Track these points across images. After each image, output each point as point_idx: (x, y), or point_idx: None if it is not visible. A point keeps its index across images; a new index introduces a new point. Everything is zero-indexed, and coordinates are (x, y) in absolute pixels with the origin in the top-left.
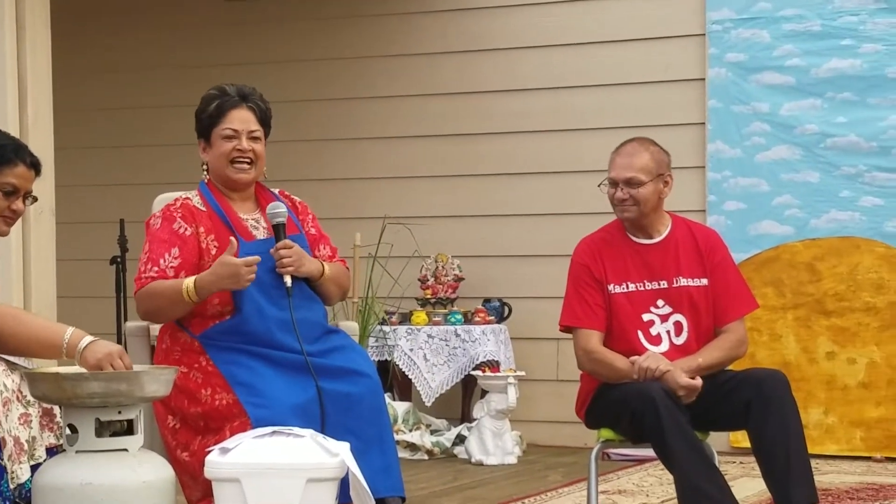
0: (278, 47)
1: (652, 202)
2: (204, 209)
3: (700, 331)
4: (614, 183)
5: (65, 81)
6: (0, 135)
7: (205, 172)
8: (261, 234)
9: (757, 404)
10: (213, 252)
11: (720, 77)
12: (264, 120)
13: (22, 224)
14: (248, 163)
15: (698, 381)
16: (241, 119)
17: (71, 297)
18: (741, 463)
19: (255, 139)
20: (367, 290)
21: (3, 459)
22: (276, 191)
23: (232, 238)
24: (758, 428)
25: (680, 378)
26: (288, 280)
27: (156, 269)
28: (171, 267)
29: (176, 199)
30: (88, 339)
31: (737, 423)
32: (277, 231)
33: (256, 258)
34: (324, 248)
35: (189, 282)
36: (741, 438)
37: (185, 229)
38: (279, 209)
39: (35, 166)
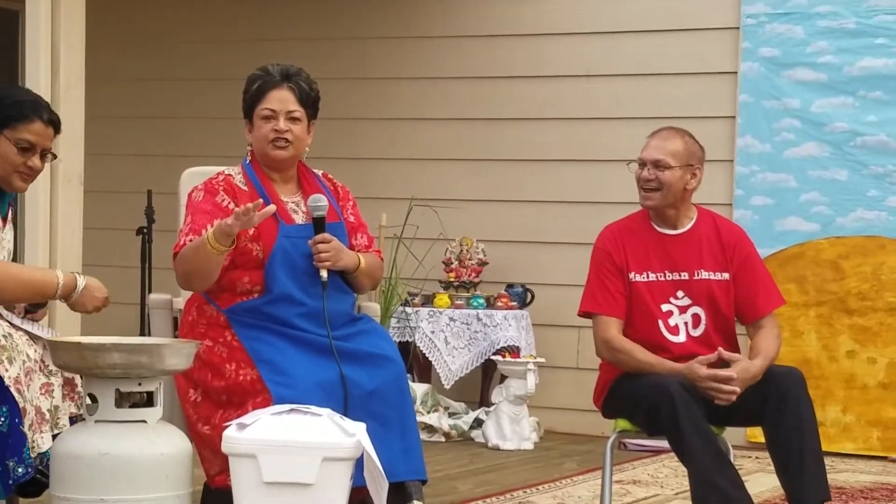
0: (311, 25)
1: (676, 190)
2: (246, 188)
3: (717, 324)
4: (642, 163)
5: (97, 51)
6: (20, 91)
7: (249, 152)
8: (300, 218)
9: (772, 401)
10: (251, 231)
11: (752, 71)
12: (305, 101)
13: (50, 191)
14: (284, 140)
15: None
16: (280, 99)
17: (96, 265)
18: (757, 458)
19: (293, 119)
20: (390, 270)
21: (23, 427)
22: (320, 173)
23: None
24: (773, 424)
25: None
26: (324, 274)
27: (196, 237)
28: None
29: (218, 174)
30: (79, 287)
31: (752, 419)
32: (317, 224)
33: (272, 208)
34: (361, 237)
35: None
36: (758, 433)
37: (228, 203)
38: (321, 202)
39: (53, 123)
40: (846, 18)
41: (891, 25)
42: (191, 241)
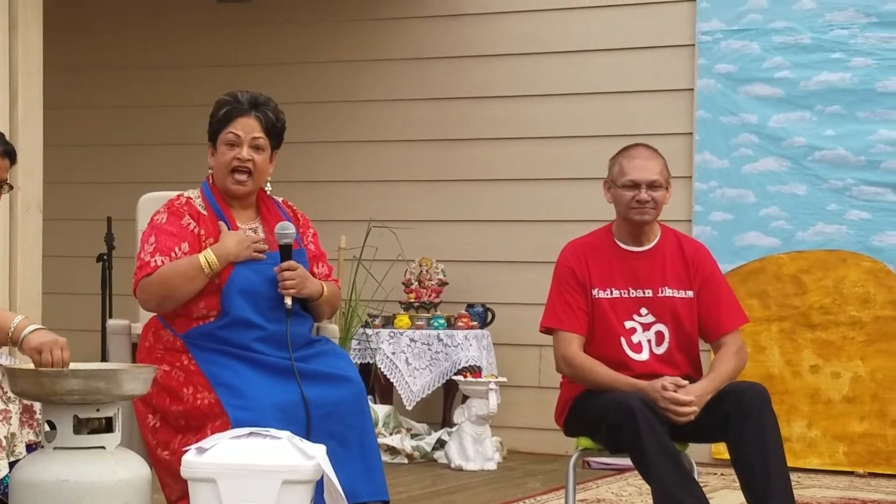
0: (268, 50)
1: (662, 208)
2: (205, 213)
3: (681, 342)
4: (636, 185)
5: (56, 78)
6: None
7: (209, 175)
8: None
9: (736, 417)
10: None
11: (709, 88)
12: (271, 131)
13: (9, 220)
14: (246, 173)
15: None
16: (245, 126)
17: (56, 293)
18: (722, 474)
19: (257, 148)
20: (350, 292)
21: None
22: (280, 200)
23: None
24: (736, 440)
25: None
26: (288, 301)
27: (166, 258)
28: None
29: (179, 196)
30: (35, 326)
31: (716, 436)
32: (283, 252)
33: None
34: (321, 267)
35: (206, 253)
36: (722, 449)
37: (194, 226)
38: (288, 230)
39: (9, 154)
40: (802, 34)
41: (846, 40)
42: (161, 262)
